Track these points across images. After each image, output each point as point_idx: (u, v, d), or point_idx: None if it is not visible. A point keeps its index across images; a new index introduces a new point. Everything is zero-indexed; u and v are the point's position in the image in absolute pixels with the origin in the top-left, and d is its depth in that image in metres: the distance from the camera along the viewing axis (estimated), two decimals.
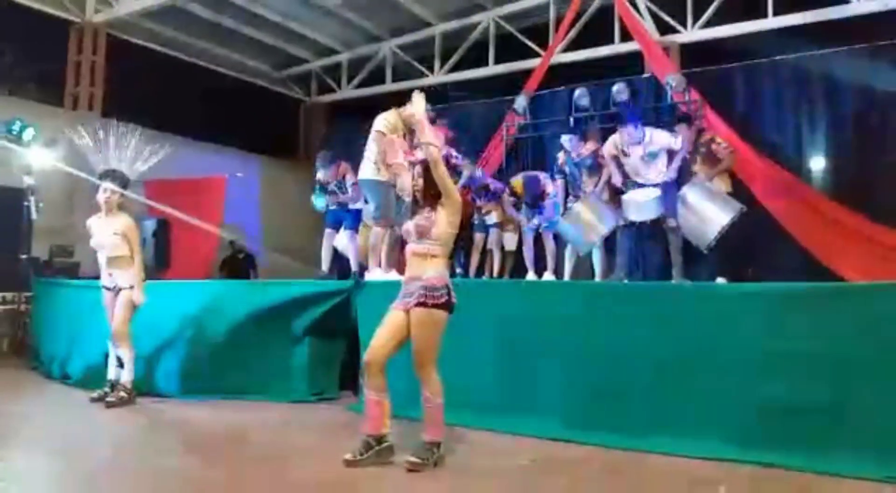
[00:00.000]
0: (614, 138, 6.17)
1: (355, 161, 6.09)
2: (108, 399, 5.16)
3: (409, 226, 3.74)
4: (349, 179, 6.62)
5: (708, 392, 3.91)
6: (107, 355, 5.44)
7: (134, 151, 5.44)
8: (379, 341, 3.58)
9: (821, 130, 8.06)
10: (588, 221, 6.25)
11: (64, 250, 8.53)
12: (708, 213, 5.81)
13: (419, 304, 3.54)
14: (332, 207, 7.00)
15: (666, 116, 7.89)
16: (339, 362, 5.65)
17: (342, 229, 6.90)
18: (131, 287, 5.27)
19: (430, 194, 3.68)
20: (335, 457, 3.58)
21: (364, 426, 3.63)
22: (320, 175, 6.94)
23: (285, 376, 5.50)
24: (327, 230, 7.04)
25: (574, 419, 4.22)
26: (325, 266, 7.00)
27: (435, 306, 3.54)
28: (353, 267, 6.59)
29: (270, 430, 4.56)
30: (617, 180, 6.17)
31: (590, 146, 6.93)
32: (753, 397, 3.78)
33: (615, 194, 6.49)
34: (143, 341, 5.51)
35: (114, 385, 5.28)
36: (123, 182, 5.42)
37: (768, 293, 4.00)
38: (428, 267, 3.60)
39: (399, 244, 6.39)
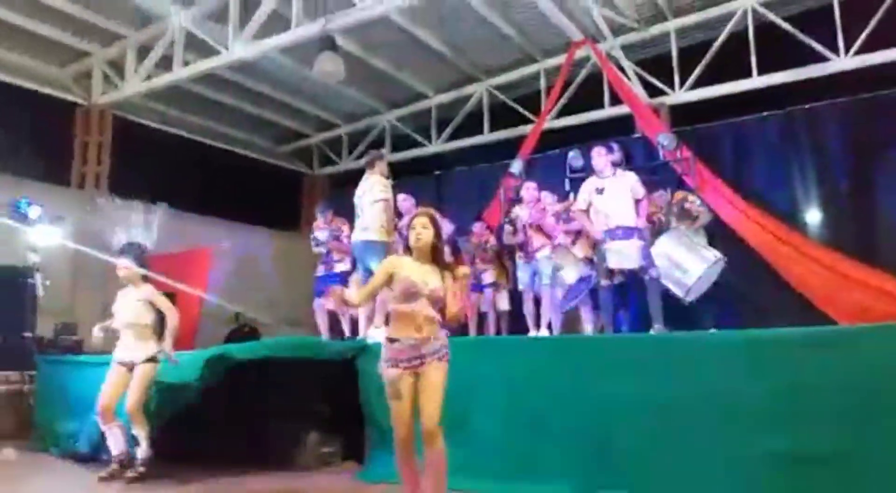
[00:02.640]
0: (587, 183, 6.17)
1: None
2: (128, 474, 5.05)
3: (422, 288, 3.44)
4: (343, 231, 6.81)
5: (711, 445, 3.85)
6: (103, 433, 5.32)
7: (147, 224, 5.55)
8: (411, 416, 3.41)
9: (812, 182, 8.21)
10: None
11: (68, 328, 8.54)
12: (683, 260, 5.93)
13: (436, 360, 3.40)
14: (320, 275, 7.13)
15: (659, 175, 8.04)
16: (343, 429, 5.58)
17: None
18: (149, 361, 5.21)
19: (431, 252, 3.53)
20: None
21: None
22: (317, 222, 7.30)
23: (290, 445, 5.43)
24: (316, 300, 7.17)
25: (584, 476, 4.15)
26: (325, 335, 7.04)
27: (447, 359, 3.45)
28: (346, 330, 6.66)
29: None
30: (592, 231, 6.14)
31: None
32: (758, 448, 3.71)
33: (592, 248, 6.53)
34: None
35: (122, 462, 5.13)
36: (140, 254, 5.46)
37: (759, 341, 4.00)
38: (436, 328, 3.47)
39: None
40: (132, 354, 5.24)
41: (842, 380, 3.60)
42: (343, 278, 7.00)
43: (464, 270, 3.64)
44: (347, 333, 6.95)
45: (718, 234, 7.64)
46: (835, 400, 3.59)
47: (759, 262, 7.55)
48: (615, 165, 6.16)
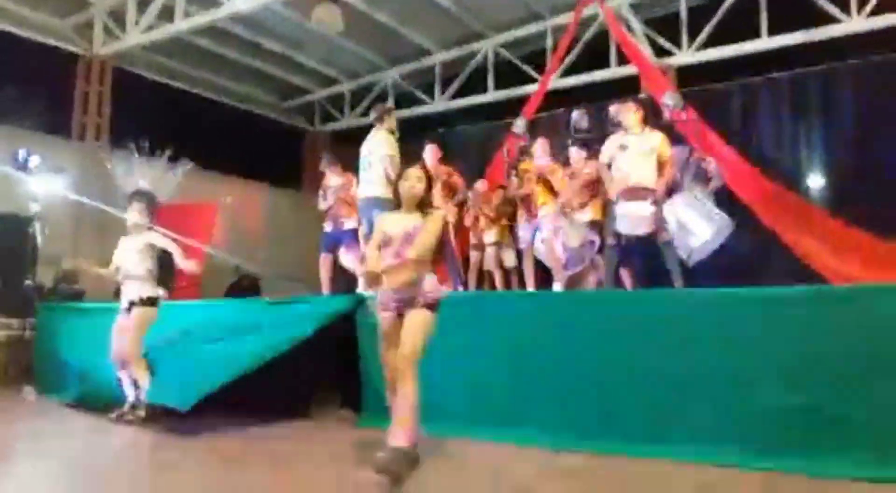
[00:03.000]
0: (612, 139, 5.96)
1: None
2: (127, 417, 5.14)
3: (395, 232, 3.60)
4: (352, 185, 6.79)
5: (711, 398, 3.87)
6: (118, 378, 5.40)
7: (158, 173, 5.53)
8: (394, 357, 3.51)
9: (817, 145, 8.14)
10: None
11: (68, 277, 8.58)
12: (692, 224, 5.84)
13: (422, 306, 3.49)
14: (328, 230, 7.10)
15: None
16: (342, 379, 5.61)
17: (342, 250, 6.94)
18: (146, 304, 5.25)
19: (422, 204, 3.65)
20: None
21: (401, 438, 3.39)
22: (327, 176, 7.21)
23: (288, 394, 5.47)
24: (323, 255, 7.11)
25: (577, 428, 4.17)
26: (325, 290, 7.05)
27: (433, 308, 3.52)
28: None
29: (285, 441, 4.56)
30: (611, 191, 5.95)
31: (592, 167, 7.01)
32: (755, 402, 3.74)
33: (603, 208, 6.47)
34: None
35: (134, 405, 5.22)
36: (151, 202, 5.45)
37: (768, 298, 3.98)
38: (422, 271, 3.55)
39: None
40: (127, 297, 5.31)
41: (852, 338, 3.59)
42: (353, 235, 6.96)
43: (440, 212, 3.74)
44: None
45: (721, 195, 7.63)
46: (844, 357, 3.59)
47: (760, 224, 7.51)
48: (645, 122, 5.89)
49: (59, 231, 9.24)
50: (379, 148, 6.04)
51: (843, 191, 7.89)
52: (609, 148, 5.92)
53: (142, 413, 5.14)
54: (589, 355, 4.28)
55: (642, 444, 3.91)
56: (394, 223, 3.66)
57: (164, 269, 8.37)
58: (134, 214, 5.35)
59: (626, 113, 5.88)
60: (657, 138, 5.80)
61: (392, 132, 6.20)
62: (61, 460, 4.16)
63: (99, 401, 5.66)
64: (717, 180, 6.65)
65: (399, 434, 3.33)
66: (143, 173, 5.54)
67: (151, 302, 5.31)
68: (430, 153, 7.40)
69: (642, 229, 5.69)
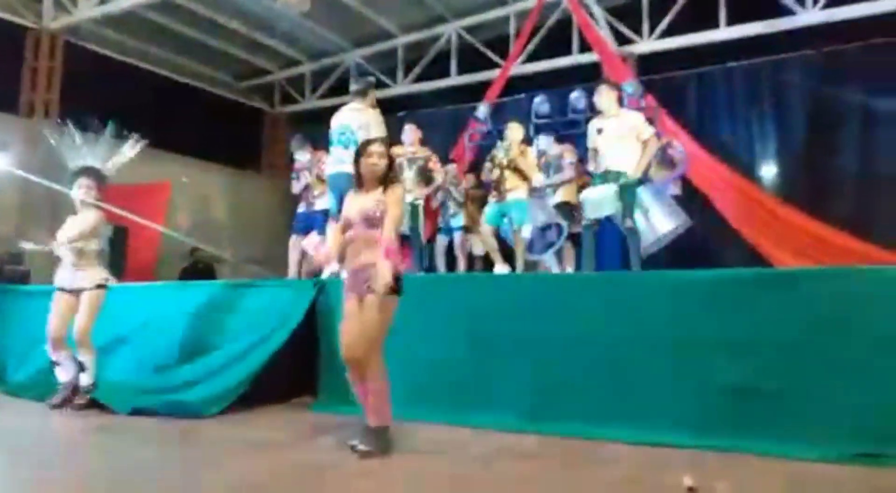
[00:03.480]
0: (593, 123, 5.86)
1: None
2: (77, 401, 4.98)
3: (352, 213, 3.60)
4: (323, 164, 6.59)
5: (663, 381, 3.93)
6: (52, 362, 5.21)
7: (107, 150, 5.35)
8: (352, 336, 3.51)
9: (772, 134, 8.31)
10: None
11: (14, 258, 8.29)
12: (655, 216, 5.89)
13: (382, 289, 3.42)
14: (301, 210, 6.97)
15: None
16: (299, 363, 5.52)
17: (313, 233, 6.78)
18: (98, 287, 5.09)
19: (380, 180, 3.63)
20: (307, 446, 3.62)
21: (375, 419, 3.50)
22: (298, 157, 6.99)
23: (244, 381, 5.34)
24: (293, 237, 6.92)
25: (530, 410, 4.20)
26: (292, 272, 6.91)
27: (393, 290, 3.46)
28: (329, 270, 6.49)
29: (231, 426, 4.45)
30: (592, 166, 5.88)
31: (562, 149, 7.05)
32: (708, 384, 3.81)
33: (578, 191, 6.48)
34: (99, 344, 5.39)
35: (84, 389, 5.05)
36: (99, 179, 5.27)
37: (719, 280, 4.06)
38: (376, 255, 3.47)
39: None
40: (79, 281, 5.11)
41: (791, 320, 3.68)
42: (325, 216, 6.81)
43: (398, 185, 3.70)
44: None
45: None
46: (780, 337, 3.68)
47: (714, 210, 7.66)
48: (620, 103, 5.82)
49: (5, 211, 8.94)
50: (372, 128, 5.71)
51: (794, 179, 8.07)
52: (590, 133, 5.82)
53: (89, 396, 5.01)
54: (542, 337, 4.31)
55: (593, 425, 3.95)
56: (352, 205, 3.65)
57: (116, 251, 8.21)
58: (80, 192, 5.18)
59: (600, 96, 5.75)
60: (634, 118, 5.71)
61: (374, 107, 5.98)
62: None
63: (40, 387, 5.49)
64: (681, 166, 6.73)
65: (372, 417, 3.48)
66: (90, 150, 5.32)
67: (101, 286, 5.15)
68: (410, 134, 7.20)
69: (605, 211, 5.68)
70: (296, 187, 7.05)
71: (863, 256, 6.40)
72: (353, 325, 3.52)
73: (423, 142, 7.33)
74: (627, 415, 3.95)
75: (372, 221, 3.53)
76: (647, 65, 9.51)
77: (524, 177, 6.67)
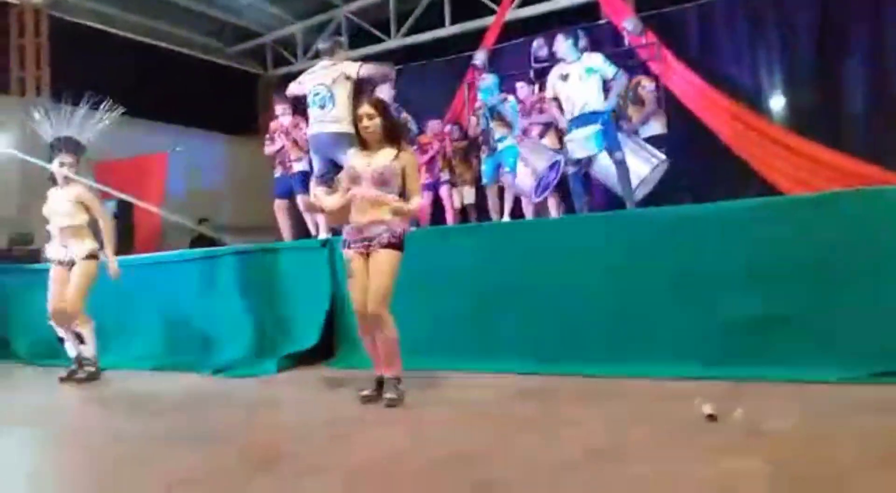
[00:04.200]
0: (552, 72, 5.99)
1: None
2: (78, 376, 5.04)
3: (363, 172, 3.62)
4: (301, 127, 6.49)
5: (673, 314, 3.93)
6: (59, 338, 5.26)
7: (83, 119, 5.26)
8: (361, 292, 3.59)
9: (777, 64, 8.11)
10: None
11: (23, 238, 8.29)
12: (630, 162, 5.89)
13: (386, 246, 3.54)
14: (277, 175, 6.87)
15: (625, 61, 7.85)
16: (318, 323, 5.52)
17: (298, 196, 6.74)
18: (89, 258, 5.08)
19: (385, 139, 3.67)
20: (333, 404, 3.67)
21: (391, 369, 3.62)
22: (279, 115, 6.88)
23: (252, 343, 5.35)
24: (277, 201, 6.88)
25: (543, 352, 4.21)
26: (286, 237, 6.87)
27: (398, 247, 3.57)
28: (323, 230, 6.46)
29: (255, 389, 4.50)
30: (561, 121, 5.98)
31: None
32: (720, 314, 3.79)
33: (560, 139, 6.46)
34: (108, 314, 5.42)
35: (80, 362, 5.11)
36: (76, 149, 5.20)
37: (726, 211, 4.01)
38: (383, 212, 3.57)
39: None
40: (70, 252, 5.10)
41: (811, 245, 3.65)
42: (304, 178, 6.75)
43: (409, 152, 3.77)
44: (313, 232, 6.79)
45: (681, 118, 7.62)
46: (793, 263, 3.66)
47: (721, 147, 7.54)
48: (582, 50, 5.93)
49: (8, 191, 8.91)
50: (342, 84, 5.64)
51: (803, 109, 7.90)
52: (551, 81, 5.94)
53: (91, 368, 5.08)
54: (547, 280, 4.31)
55: (600, 364, 3.96)
56: (362, 161, 3.67)
57: (122, 225, 8.18)
58: (62, 167, 5.12)
59: (559, 44, 5.89)
60: (596, 58, 5.80)
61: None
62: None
63: (43, 355, 5.67)
64: (651, 105, 6.67)
65: (388, 369, 3.61)
66: (69, 123, 5.24)
67: (94, 256, 5.12)
68: (385, 93, 7.11)
69: (591, 149, 5.71)
70: (268, 149, 6.89)
71: (877, 182, 6.30)
72: (363, 281, 3.59)
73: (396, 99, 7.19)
74: (638, 351, 3.96)
75: (383, 181, 3.58)
76: (646, 0, 9.24)
77: (508, 124, 6.64)
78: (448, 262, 4.66)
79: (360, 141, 3.73)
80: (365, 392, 3.64)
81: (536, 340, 4.27)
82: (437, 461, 2.59)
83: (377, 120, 3.64)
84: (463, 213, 8.07)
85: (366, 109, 3.66)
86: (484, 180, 7.10)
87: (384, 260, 3.53)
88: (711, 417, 2.84)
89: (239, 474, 2.60)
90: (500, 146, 6.72)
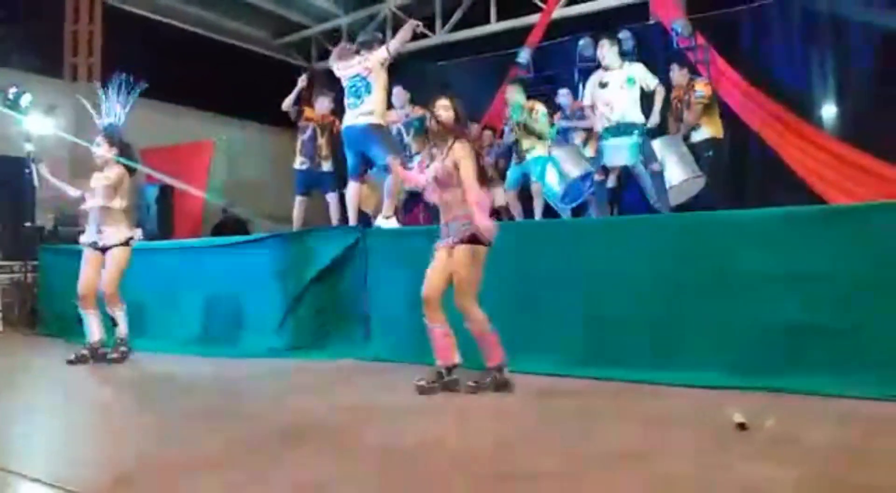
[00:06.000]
0: (591, 78, 5.94)
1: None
2: (110, 356, 5.13)
3: (430, 176, 3.79)
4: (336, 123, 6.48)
5: (713, 322, 3.84)
6: (79, 318, 5.36)
7: (124, 105, 5.43)
8: (432, 279, 3.75)
9: (830, 71, 7.87)
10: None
11: (69, 219, 8.47)
12: (668, 167, 5.83)
13: (463, 241, 3.66)
14: (301, 168, 6.76)
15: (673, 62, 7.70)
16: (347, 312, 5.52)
17: (329, 194, 6.69)
18: (122, 244, 5.17)
19: (445, 136, 3.77)
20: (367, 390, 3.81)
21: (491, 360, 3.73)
22: (317, 106, 6.91)
23: (286, 330, 5.40)
24: (298, 198, 6.72)
25: (580, 354, 4.15)
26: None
27: (477, 241, 3.65)
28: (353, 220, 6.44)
29: (284, 374, 4.56)
30: (597, 125, 5.90)
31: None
32: (757, 323, 3.70)
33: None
34: (136, 297, 5.55)
35: (94, 349, 5.19)
36: (113, 134, 5.36)
37: (770, 218, 3.89)
38: (460, 210, 3.69)
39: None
40: (104, 238, 5.20)
41: (855, 256, 3.53)
42: (331, 179, 6.75)
43: (460, 144, 3.76)
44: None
45: (727, 122, 7.44)
46: (846, 275, 3.53)
47: (768, 152, 7.36)
48: (623, 56, 5.86)
49: (57, 172, 9.08)
50: (378, 76, 5.65)
51: (856, 118, 7.66)
52: (590, 88, 5.91)
53: (124, 349, 5.18)
54: (589, 282, 4.25)
55: (639, 370, 3.89)
56: (431, 166, 3.84)
57: (163, 209, 8.35)
58: (98, 149, 5.27)
59: (602, 49, 5.83)
60: (638, 69, 5.75)
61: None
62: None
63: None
64: (696, 111, 6.51)
65: (487, 360, 3.74)
66: (112, 108, 5.40)
67: (126, 242, 5.23)
68: (400, 97, 7.09)
69: (622, 161, 5.66)
70: (302, 137, 6.83)
71: None
72: (437, 270, 3.76)
73: (414, 100, 7.13)
74: (678, 358, 3.87)
75: (442, 182, 3.74)
76: (698, 1, 9.06)
77: (538, 136, 6.56)
78: (488, 258, 4.62)
79: (426, 138, 3.94)
80: (421, 382, 3.71)
81: (580, 341, 4.20)
82: (465, 452, 2.64)
83: (451, 113, 3.77)
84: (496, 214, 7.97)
85: (444, 101, 3.81)
86: (505, 185, 7.01)
87: (460, 255, 3.67)
88: (742, 426, 2.79)
89: (264, 452, 2.64)
90: (528, 156, 6.64)
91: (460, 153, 3.69)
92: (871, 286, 3.47)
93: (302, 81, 6.76)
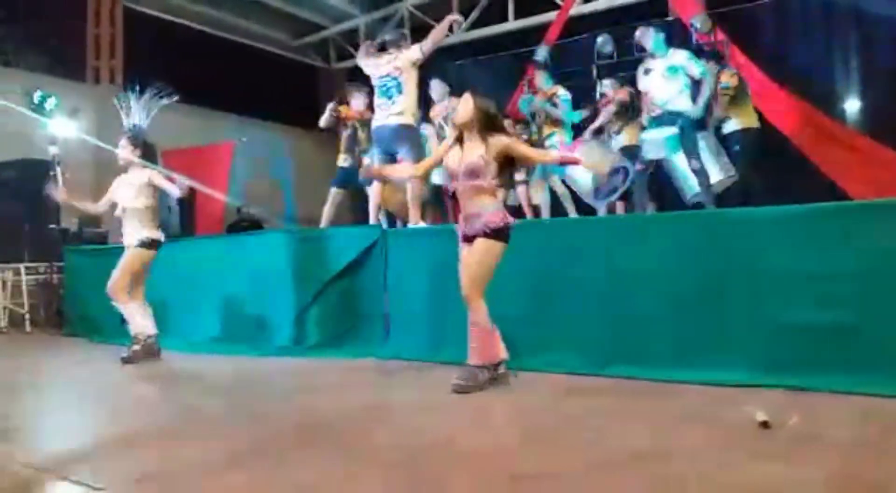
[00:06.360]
0: (640, 66, 5.90)
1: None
2: (122, 356, 5.18)
3: (453, 166, 3.79)
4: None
5: (735, 320, 3.80)
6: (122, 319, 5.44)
7: (146, 107, 5.50)
8: (462, 278, 3.76)
9: (851, 65, 7.77)
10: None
11: (93, 221, 8.60)
12: (707, 165, 5.75)
13: (482, 235, 3.69)
14: (344, 165, 6.82)
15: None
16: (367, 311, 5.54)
17: (368, 187, 6.72)
18: (141, 246, 5.23)
19: (485, 128, 3.74)
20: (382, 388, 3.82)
21: (474, 357, 3.71)
22: (353, 103, 6.85)
23: (306, 330, 5.45)
24: (333, 190, 6.77)
25: (599, 353, 4.13)
26: (324, 225, 6.86)
27: (495, 237, 3.67)
28: (373, 219, 6.47)
29: (305, 373, 4.59)
30: (645, 110, 5.89)
31: (622, 94, 6.81)
32: (779, 321, 3.66)
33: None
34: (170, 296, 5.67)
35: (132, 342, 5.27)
36: (136, 136, 5.44)
37: (792, 215, 3.84)
38: (486, 202, 3.72)
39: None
40: (128, 238, 5.30)
41: (879, 253, 3.48)
42: (344, 174, 6.77)
43: (495, 138, 3.75)
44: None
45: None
46: (868, 271, 3.49)
47: (791, 148, 7.27)
48: (668, 44, 5.77)
49: (81, 175, 9.23)
50: (410, 75, 5.65)
51: (878, 113, 7.55)
52: (639, 75, 5.87)
53: (137, 348, 5.21)
54: (610, 280, 4.22)
55: (658, 368, 3.86)
56: (452, 158, 3.84)
57: (185, 209, 8.42)
58: (122, 151, 5.33)
59: (647, 38, 5.79)
60: (682, 56, 5.63)
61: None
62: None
63: (119, 339, 5.78)
64: (722, 104, 6.43)
65: (474, 355, 3.70)
66: (135, 110, 5.49)
67: (149, 244, 5.28)
68: (439, 89, 7.13)
69: (666, 153, 5.58)
70: (345, 133, 6.86)
71: None
72: (463, 267, 3.79)
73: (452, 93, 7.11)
74: (696, 356, 3.83)
75: (475, 173, 3.70)
76: None
77: (557, 122, 6.52)
78: (510, 257, 4.61)
79: (457, 134, 3.86)
80: (458, 381, 3.67)
81: (598, 340, 4.18)
82: (480, 451, 2.64)
83: (470, 106, 3.76)
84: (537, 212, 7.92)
85: (466, 95, 3.81)
86: (535, 176, 7.00)
87: (477, 248, 3.70)
88: (765, 424, 2.76)
89: (279, 450, 2.68)
90: (547, 144, 6.60)
91: (504, 141, 3.73)
92: (892, 284, 3.42)
93: (332, 109, 6.75)
